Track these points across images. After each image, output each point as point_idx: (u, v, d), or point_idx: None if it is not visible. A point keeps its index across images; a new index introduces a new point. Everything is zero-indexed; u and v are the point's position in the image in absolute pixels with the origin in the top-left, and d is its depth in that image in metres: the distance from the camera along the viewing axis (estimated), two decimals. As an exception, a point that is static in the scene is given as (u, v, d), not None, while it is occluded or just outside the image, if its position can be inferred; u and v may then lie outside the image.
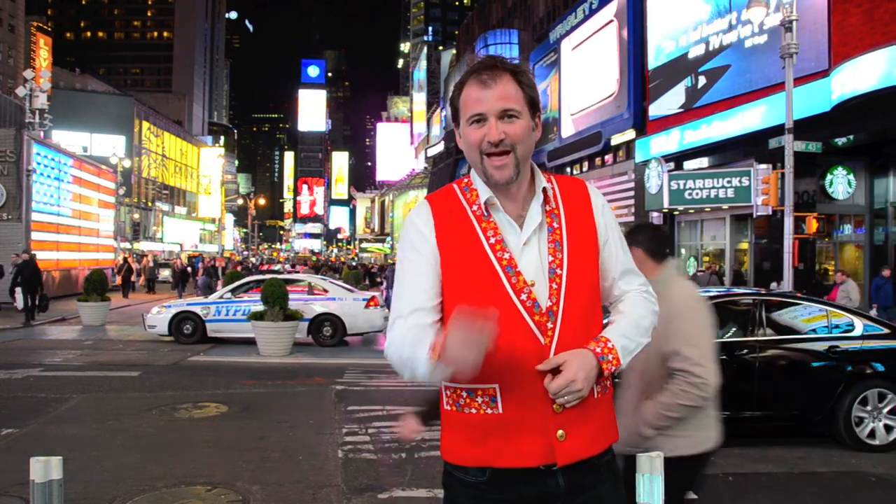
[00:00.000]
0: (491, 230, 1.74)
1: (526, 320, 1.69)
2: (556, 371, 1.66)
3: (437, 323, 1.74)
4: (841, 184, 20.03)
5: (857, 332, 6.75)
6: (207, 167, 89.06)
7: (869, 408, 6.45)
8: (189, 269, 32.73)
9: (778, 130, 17.61)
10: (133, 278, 30.98)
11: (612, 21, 30.30)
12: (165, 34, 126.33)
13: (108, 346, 14.21)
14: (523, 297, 1.69)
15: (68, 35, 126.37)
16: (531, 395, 1.68)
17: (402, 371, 1.70)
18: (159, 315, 14.45)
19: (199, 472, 5.64)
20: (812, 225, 17.49)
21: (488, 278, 1.70)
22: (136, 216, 62.70)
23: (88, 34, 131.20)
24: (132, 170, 59.24)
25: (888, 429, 6.45)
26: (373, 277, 38.85)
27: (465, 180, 1.84)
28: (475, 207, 1.77)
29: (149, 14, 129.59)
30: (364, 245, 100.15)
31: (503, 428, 1.69)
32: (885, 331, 6.86)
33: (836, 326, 6.82)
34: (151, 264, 34.47)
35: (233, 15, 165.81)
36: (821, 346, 6.64)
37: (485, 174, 1.75)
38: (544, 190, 1.79)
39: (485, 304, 1.66)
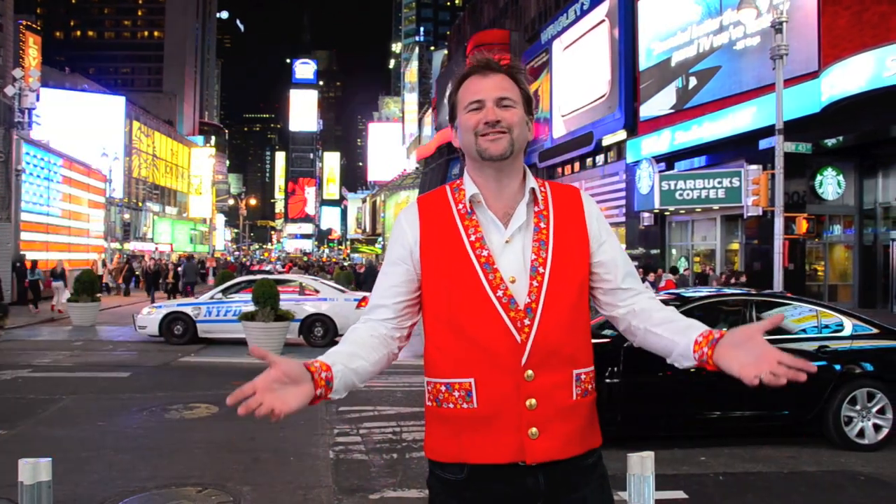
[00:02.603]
0: (472, 227, 1.77)
1: (501, 316, 1.69)
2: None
3: (393, 318, 1.83)
4: (830, 184, 20.15)
5: (847, 332, 6.79)
6: (198, 167, 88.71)
7: (858, 407, 6.48)
8: (172, 269, 31.10)
9: (768, 131, 17.70)
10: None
11: (603, 21, 30.35)
12: (156, 34, 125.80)
13: (98, 346, 14.14)
14: (499, 293, 1.71)
15: (58, 34, 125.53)
16: (505, 392, 1.68)
17: None
18: (150, 316, 14.39)
19: (190, 473, 5.62)
20: (802, 225, 17.57)
21: (466, 275, 1.73)
22: (127, 216, 62.41)
23: (78, 33, 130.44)
24: (123, 170, 58.98)
25: (877, 428, 6.49)
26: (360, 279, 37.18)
27: (457, 182, 1.87)
28: (460, 206, 1.81)
29: (139, 13, 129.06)
30: (355, 245, 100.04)
31: (477, 423, 1.70)
32: (875, 331, 6.90)
33: (826, 326, 6.86)
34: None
35: (224, 14, 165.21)
36: (811, 346, 6.67)
37: (478, 153, 1.77)
38: (533, 191, 1.81)
39: (462, 299, 1.72)
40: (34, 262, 22.86)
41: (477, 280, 1.72)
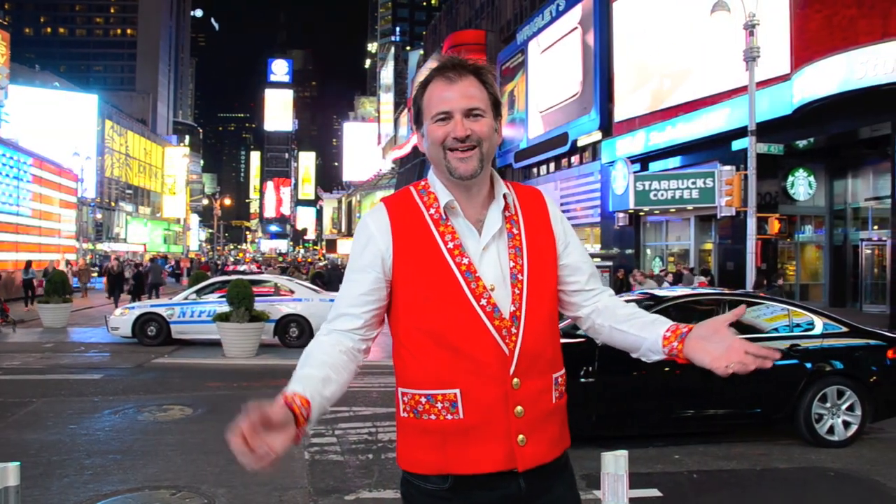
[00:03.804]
0: (449, 234, 1.72)
1: (486, 326, 1.67)
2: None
3: (360, 329, 1.75)
4: (802, 185, 20.43)
5: (817, 330, 6.89)
6: (172, 167, 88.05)
7: (828, 405, 6.58)
8: (135, 270, 28.92)
9: (741, 132, 17.90)
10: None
11: (576, 28, 30.64)
12: (129, 31, 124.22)
13: (69, 348, 13.94)
14: (483, 302, 1.68)
15: (27, 30, 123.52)
16: (493, 401, 1.67)
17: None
18: (123, 317, 14.23)
19: (164, 476, 5.57)
20: (774, 226, 17.80)
21: (447, 284, 1.68)
22: (99, 216, 61.63)
23: (49, 30, 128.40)
24: (95, 169, 58.26)
25: (846, 425, 6.59)
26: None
27: (423, 183, 1.82)
28: (432, 211, 1.75)
29: (112, 10, 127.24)
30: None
31: (464, 434, 1.67)
32: (844, 329, 7.01)
33: (797, 325, 6.95)
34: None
35: (198, 13, 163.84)
36: (782, 345, 6.75)
37: (448, 169, 1.72)
38: (504, 196, 1.78)
39: (444, 309, 1.68)
40: (28, 262, 23.50)
41: (459, 289, 1.68)
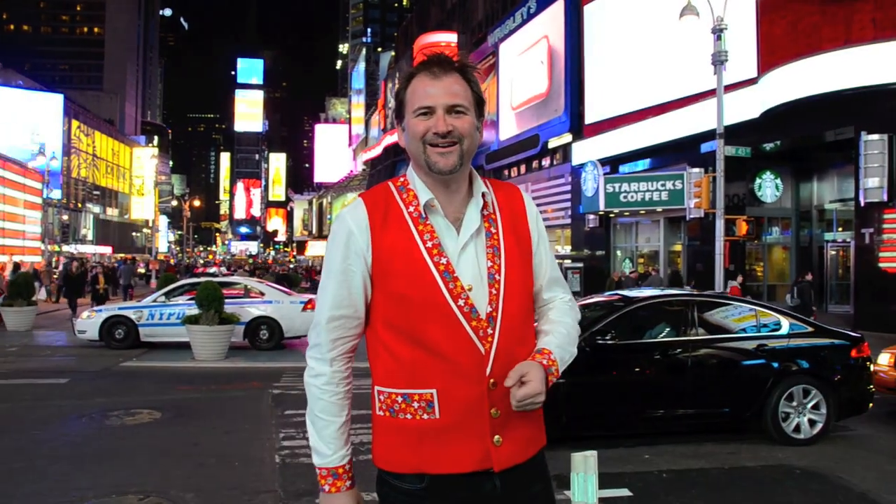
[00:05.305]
0: (428, 234, 1.70)
1: (464, 326, 1.66)
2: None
3: (362, 326, 1.76)
4: (769, 187, 20.73)
5: (784, 330, 7.00)
6: (140, 168, 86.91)
7: (794, 403, 6.68)
8: (102, 273, 26.44)
9: (709, 135, 18.11)
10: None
11: (547, 31, 30.91)
12: (96, 30, 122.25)
13: (34, 352, 13.70)
14: (460, 302, 1.67)
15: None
16: (469, 401, 1.67)
17: (309, 410, 1.86)
18: (90, 320, 14.01)
19: (131, 481, 5.49)
20: (742, 227, 18.05)
21: (425, 284, 1.67)
22: (65, 217, 60.61)
23: (12, 27, 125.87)
24: (61, 170, 57.31)
25: (812, 423, 6.70)
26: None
27: (402, 179, 1.80)
28: (412, 209, 1.73)
29: (77, 8, 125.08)
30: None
31: (440, 434, 1.67)
32: (810, 329, 7.14)
33: (765, 325, 7.05)
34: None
35: (167, 12, 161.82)
36: (750, 345, 6.86)
37: (427, 164, 1.71)
38: (483, 195, 1.77)
39: (421, 309, 1.67)
40: (16, 265, 24.15)
41: (437, 289, 1.67)
